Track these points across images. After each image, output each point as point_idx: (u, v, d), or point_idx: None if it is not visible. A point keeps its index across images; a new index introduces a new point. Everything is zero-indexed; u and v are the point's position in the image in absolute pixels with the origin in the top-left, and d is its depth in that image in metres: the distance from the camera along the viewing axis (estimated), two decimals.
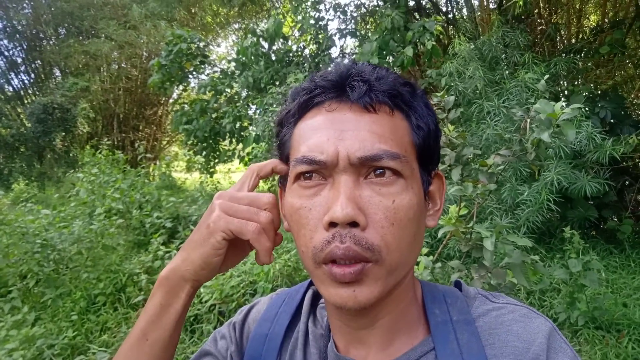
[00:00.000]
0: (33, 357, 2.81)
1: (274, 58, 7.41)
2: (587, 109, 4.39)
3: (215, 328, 3.21)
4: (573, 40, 5.74)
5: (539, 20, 5.72)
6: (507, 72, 4.55)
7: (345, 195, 0.49)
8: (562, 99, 4.55)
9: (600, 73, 5.39)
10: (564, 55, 4.97)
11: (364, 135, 0.52)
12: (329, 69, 0.58)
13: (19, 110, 14.69)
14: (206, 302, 3.35)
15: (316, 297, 0.72)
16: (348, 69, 0.56)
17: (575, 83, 5.51)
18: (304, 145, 0.54)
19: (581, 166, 4.00)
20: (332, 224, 0.50)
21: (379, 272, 0.51)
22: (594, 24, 6.05)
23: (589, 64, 5.36)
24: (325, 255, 0.50)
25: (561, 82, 5.16)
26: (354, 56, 7.55)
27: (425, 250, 2.02)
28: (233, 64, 7.99)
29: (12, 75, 14.76)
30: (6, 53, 14.39)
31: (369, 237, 0.50)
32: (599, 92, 5.16)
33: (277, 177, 0.66)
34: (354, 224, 0.49)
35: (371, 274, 0.50)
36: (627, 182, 4.76)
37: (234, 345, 0.70)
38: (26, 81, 15.19)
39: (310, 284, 0.73)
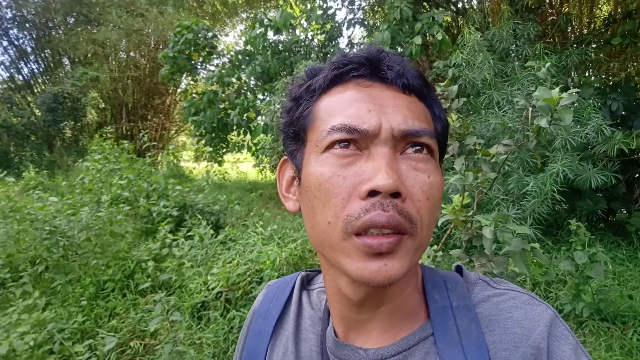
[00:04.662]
0: (44, 340, 2.86)
1: (281, 48, 7.40)
2: (597, 100, 4.35)
3: (222, 315, 3.26)
4: (584, 31, 5.65)
5: (549, 11, 5.64)
6: (517, 63, 4.50)
7: (388, 165, 0.49)
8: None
9: (612, 64, 5.31)
10: (574, 46, 4.91)
11: (405, 112, 0.52)
12: (361, 48, 0.59)
13: (29, 99, 14.82)
14: (213, 289, 3.38)
15: (307, 281, 0.73)
16: (379, 51, 0.56)
17: (587, 75, 5.44)
18: (339, 115, 0.53)
19: (589, 158, 3.97)
20: (372, 193, 0.48)
21: (412, 245, 0.50)
22: (606, 14, 5.95)
23: (600, 55, 5.28)
24: (361, 223, 0.48)
25: (572, 74, 5.10)
26: (362, 46, 7.50)
27: None
28: (241, 48, 7.99)
29: (22, 64, 14.87)
30: (16, 42, 14.48)
31: (409, 209, 0.49)
32: (611, 83, 5.09)
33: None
34: (396, 194, 0.48)
35: (404, 246, 0.49)
36: (637, 175, 4.71)
37: (241, 345, 0.73)
38: (36, 70, 15.30)
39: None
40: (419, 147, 0.53)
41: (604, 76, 5.39)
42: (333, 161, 0.52)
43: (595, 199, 4.39)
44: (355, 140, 0.52)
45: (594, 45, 5.24)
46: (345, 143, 0.52)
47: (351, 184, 0.50)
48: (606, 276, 3.34)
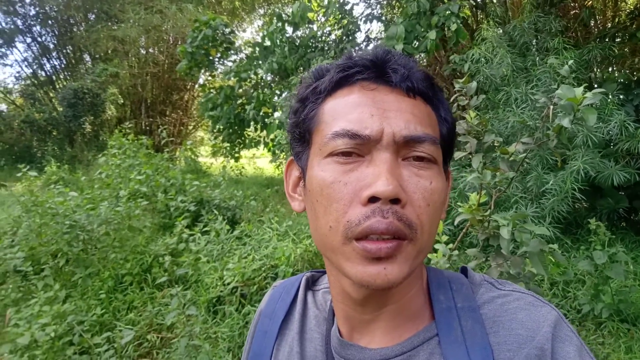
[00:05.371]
0: (64, 332, 2.94)
1: (298, 43, 7.38)
2: (621, 96, 4.24)
3: (237, 310, 3.29)
4: (608, 25, 5.51)
5: (572, 4, 5.50)
6: (537, 58, 4.41)
7: (389, 171, 0.49)
8: (595, 86, 4.40)
9: (637, 59, 5.17)
10: (597, 40, 4.78)
11: (408, 117, 0.52)
12: (367, 50, 0.58)
13: (51, 95, 15.13)
14: (228, 284, 3.42)
15: (312, 282, 0.74)
16: (385, 53, 0.56)
17: (610, 70, 5.31)
18: (342, 119, 0.53)
19: (611, 155, 3.88)
20: (373, 199, 0.49)
21: (412, 251, 0.50)
22: (631, 7, 5.78)
23: (625, 50, 5.14)
24: (362, 229, 0.48)
25: (595, 70, 4.98)
26: (380, 41, 7.45)
27: (445, 238, 2.00)
28: (258, 42, 8.00)
29: (45, 60, 15.20)
30: (39, 39, 14.79)
31: (408, 215, 0.50)
32: (635, 79, 4.95)
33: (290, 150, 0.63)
34: (395, 200, 0.48)
35: (404, 251, 0.50)
36: None
37: (248, 345, 0.74)
38: (57, 66, 15.61)
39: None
40: (421, 155, 0.53)
41: (627, 71, 5.24)
42: (335, 166, 0.52)
43: (617, 197, 4.28)
44: (358, 145, 0.52)
45: (617, 40, 5.10)
46: (348, 149, 0.52)
47: (352, 190, 0.50)
48: (627, 276, 3.27)
